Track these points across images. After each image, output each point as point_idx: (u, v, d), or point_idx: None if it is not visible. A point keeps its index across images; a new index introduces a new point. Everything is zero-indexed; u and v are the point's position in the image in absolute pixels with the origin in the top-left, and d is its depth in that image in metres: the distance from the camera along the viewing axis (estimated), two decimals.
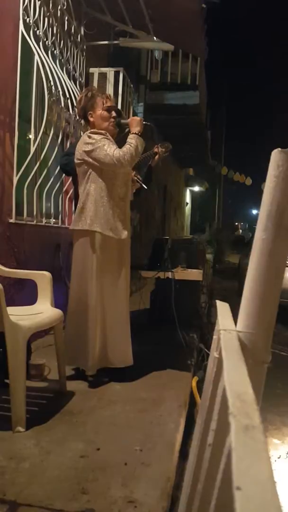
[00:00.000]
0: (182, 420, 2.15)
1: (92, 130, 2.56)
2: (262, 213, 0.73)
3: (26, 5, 3.17)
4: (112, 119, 2.61)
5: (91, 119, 2.62)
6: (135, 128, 2.55)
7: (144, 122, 2.63)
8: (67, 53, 3.99)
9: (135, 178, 2.97)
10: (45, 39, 3.51)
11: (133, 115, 4.52)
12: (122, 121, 2.66)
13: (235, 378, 0.53)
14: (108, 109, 2.60)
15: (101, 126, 2.58)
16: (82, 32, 4.36)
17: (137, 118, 2.63)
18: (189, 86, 7.50)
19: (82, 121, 3.86)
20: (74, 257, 2.62)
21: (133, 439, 1.89)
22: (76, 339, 2.53)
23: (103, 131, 2.53)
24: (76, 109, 3.05)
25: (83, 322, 2.52)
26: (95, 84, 4.62)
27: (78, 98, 2.73)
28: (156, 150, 3.25)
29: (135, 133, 2.53)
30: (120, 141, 2.58)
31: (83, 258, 2.55)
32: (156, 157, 3.22)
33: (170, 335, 3.40)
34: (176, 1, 3.89)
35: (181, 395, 2.46)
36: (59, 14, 3.73)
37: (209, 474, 0.59)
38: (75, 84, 4.16)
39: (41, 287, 2.51)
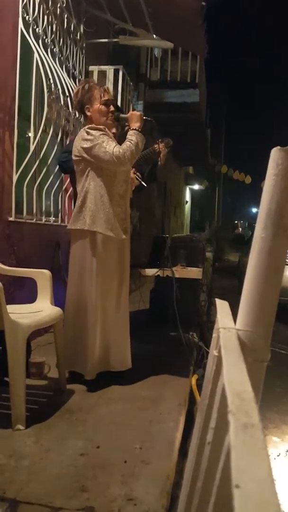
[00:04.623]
0: (181, 418, 2.16)
1: (90, 125, 2.44)
2: (262, 211, 0.73)
3: (26, 3, 3.16)
4: (110, 114, 2.51)
5: (89, 113, 2.51)
6: (135, 124, 2.46)
7: (144, 117, 2.54)
8: (66, 51, 3.98)
9: (135, 175, 2.95)
10: (44, 37, 3.50)
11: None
12: (121, 115, 2.57)
13: (234, 377, 0.53)
14: (106, 103, 2.49)
15: (99, 120, 2.48)
16: (82, 30, 4.35)
17: (137, 113, 2.52)
18: (189, 84, 7.48)
19: (82, 119, 3.86)
20: (72, 257, 2.53)
21: (132, 437, 1.89)
22: (74, 343, 2.46)
23: (101, 127, 2.42)
24: (73, 102, 2.95)
25: (82, 325, 2.45)
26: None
27: (75, 90, 2.62)
28: (156, 146, 3.23)
29: (135, 129, 2.44)
30: (121, 137, 2.54)
31: (82, 259, 2.46)
32: (161, 155, 3.19)
33: (170, 334, 3.39)
34: None
35: (181, 393, 2.47)
36: (58, 12, 3.72)
37: (208, 472, 0.59)
38: (75, 82, 4.15)
39: (41, 285, 2.51)
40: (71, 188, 3.87)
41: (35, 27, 3.33)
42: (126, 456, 1.72)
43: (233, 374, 0.54)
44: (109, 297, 2.50)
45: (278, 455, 2.40)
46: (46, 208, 3.74)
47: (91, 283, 2.44)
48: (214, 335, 0.85)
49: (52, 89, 3.48)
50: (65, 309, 2.50)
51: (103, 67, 4.79)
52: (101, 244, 2.43)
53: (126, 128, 2.56)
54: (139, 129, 2.46)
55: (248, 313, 0.74)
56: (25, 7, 3.16)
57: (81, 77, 4.37)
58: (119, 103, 4.73)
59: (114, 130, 2.62)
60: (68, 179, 3.82)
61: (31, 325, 2.05)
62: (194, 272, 3.82)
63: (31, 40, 3.22)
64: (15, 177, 3.10)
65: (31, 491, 1.46)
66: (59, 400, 2.27)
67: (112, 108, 2.53)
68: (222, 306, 0.95)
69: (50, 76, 3.42)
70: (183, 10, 3.98)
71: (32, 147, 3.26)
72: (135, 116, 2.50)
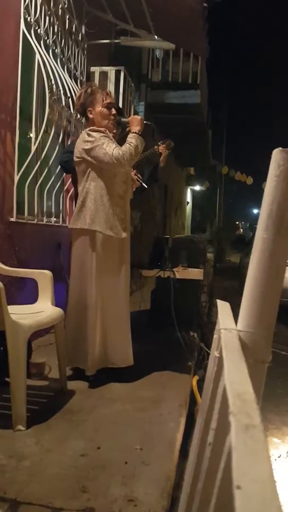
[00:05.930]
0: (182, 419, 2.16)
1: (91, 127, 2.50)
2: (263, 212, 0.73)
3: (27, 4, 3.17)
4: (112, 117, 2.57)
5: (90, 116, 2.57)
6: (136, 127, 2.53)
7: (145, 122, 2.60)
8: (68, 51, 3.98)
9: (135, 176, 2.96)
10: (46, 38, 3.50)
11: (134, 114, 4.51)
12: (123, 119, 2.64)
13: (235, 378, 0.53)
14: (108, 106, 2.55)
15: (100, 123, 2.54)
16: (83, 31, 4.35)
17: (138, 117, 2.59)
18: (190, 85, 7.48)
19: (83, 120, 3.87)
20: (73, 256, 2.59)
21: (133, 438, 1.89)
22: (75, 340, 2.52)
23: (102, 129, 2.48)
24: (75, 105, 3.00)
25: (83, 322, 2.50)
26: (96, 82, 4.62)
27: (77, 94, 2.68)
28: (157, 148, 3.25)
29: (135, 132, 2.50)
30: (121, 140, 2.57)
31: (83, 257, 2.52)
32: (162, 157, 3.22)
33: (171, 334, 3.39)
34: (177, 0, 3.89)
35: (182, 394, 2.47)
36: (60, 13, 3.72)
37: (209, 473, 0.59)
38: (76, 83, 4.16)
39: (42, 286, 2.52)
40: (72, 189, 3.87)
41: (36, 28, 3.34)
42: (126, 457, 1.72)
43: (234, 375, 0.54)
44: (109, 294, 2.55)
45: (279, 457, 2.40)
46: (48, 208, 3.74)
47: (91, 281, 2.49)
48: (215, 336, 0.85)
49: (54, 90, 3.49)
50: (67, 307, 2.56)
51: (105, 68, 4.80)
52: (101, 243, 2.48)
53: (127, 129, 2.59)
54: (139, 133, 2.52)
55: (249, 314, 0.74)
56: (26, 8, 3.17)
57: (83, 78, 4.38)
58: (120, 104, 4.74)
59: (114, 130, 2.65)
60: (70, 180, 3.83)
61: (32, 325, 2.05)
62: (195, 273, 3.82)
63: (33, 41, 3.23)
64: (16, 178, 3.10)
65: (32, 491, 1.46)
66: (60, 400, 2.27)
67: (113, 111, 2.59)
68: (223, 307, 0.95)
69: (52, 77, 3.43)
70: (185, 11, 3.99)
71: (33, 148, 3.27)
72: (135, 120, 2.57)
